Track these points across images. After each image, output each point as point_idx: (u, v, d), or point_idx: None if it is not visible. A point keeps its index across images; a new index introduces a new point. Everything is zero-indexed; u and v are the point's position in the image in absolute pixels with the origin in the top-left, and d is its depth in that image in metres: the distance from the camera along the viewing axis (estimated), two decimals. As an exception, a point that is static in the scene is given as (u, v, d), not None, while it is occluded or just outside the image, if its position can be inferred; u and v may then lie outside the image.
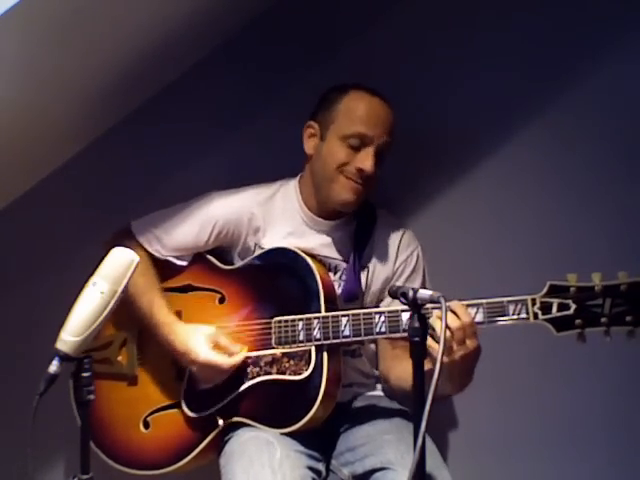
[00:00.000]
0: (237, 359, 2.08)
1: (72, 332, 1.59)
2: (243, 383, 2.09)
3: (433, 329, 1.75)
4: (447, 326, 1.78)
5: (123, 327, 2.25)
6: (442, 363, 1.50)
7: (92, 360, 1.63)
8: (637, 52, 2.40)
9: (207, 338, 2.09)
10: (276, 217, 2.21)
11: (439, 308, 1.59)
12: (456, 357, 1.82)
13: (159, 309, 2.14)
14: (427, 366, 1.71)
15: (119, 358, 2.24)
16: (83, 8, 1.87)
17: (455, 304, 1.83)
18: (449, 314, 1.79)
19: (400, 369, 2.09)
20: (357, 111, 2.12)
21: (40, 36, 1.87)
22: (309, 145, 2.19)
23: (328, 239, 2.21)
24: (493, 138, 2.47)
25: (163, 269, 2.22)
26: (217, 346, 2.08)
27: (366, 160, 2.10)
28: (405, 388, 1.98)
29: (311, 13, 2.49)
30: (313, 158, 2.19)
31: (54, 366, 1.58)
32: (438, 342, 1.74)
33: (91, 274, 1.64)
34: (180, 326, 2.13)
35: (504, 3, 2.45)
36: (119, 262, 1.64)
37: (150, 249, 2.21)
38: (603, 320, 1.81)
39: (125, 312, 2.10)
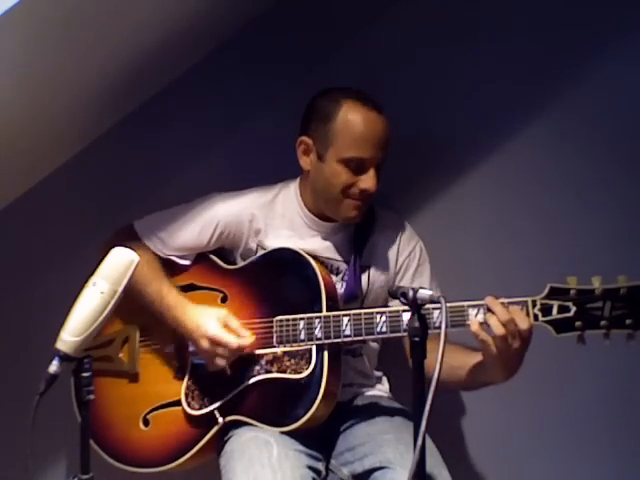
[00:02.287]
0: (245, 341, 2.07)
1: (72, 332, 1.59)
2: (243, 381, 2.09)
3: (488, 325, 1.83)
4: (502, 323, 1.82)
5: (125, 325, 2.25)
6: (442, 363, 1.51)
7: (92, 360, 1.63)
8: (637, 52, 2.40)
9: (218, 318, 2.09)
10: (277, 219, 2.22)
11: (439, 308, 1.60)
12: (515, 346, 1.84)
13: (168, 293, 2.15)
14: (477, 359, 1.91)
15: (120, 355, 2.25)
16: (83, 8, 1.87)
17: (491, 300, 1.85)
18: (495, 309, 1.83)
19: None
20: (354, 134, 2.09)
21: (40, 36, 1.87)
22: (305, 161, 2.18)
23: (329, 241, 2.22)
24: (493, 138, 2.47)
25: (166, 268, 2.22)
26: (227, 327, 2.08)
27: (369, 181, 2.10)
28: (456, 378, 2.03)
29: (311, 14, 2.49)
30: (312, 174, 2.18)
31: (54, 366, 1.58)
32: (492, 336, 1.83)
33: (91, 274, 1.64)
34: (192, 306, 2.13)
35: (504, 4, 2.45)
36: (119, 262, 1.65)
37: (153, 249, 2.22)
38: (603, 323, 1.81)
39: (127, 310, 2.10)
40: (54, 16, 1.83)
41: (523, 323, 1.83)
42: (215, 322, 2.08)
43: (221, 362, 2.08)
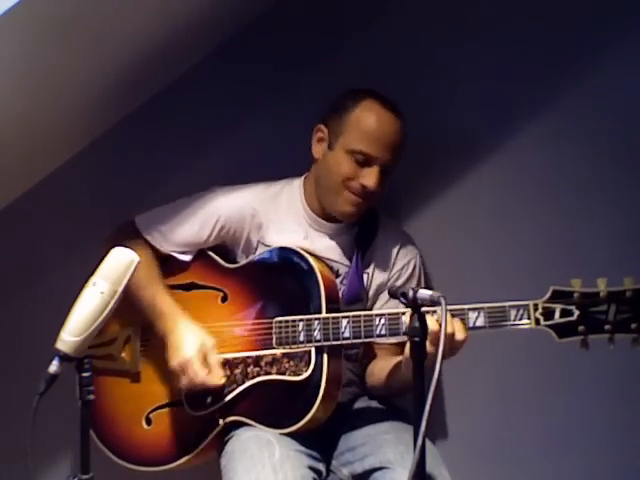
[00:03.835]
0: (212, 380, 2.05)
1: (72, 332, 1.59)
2: (243, 383, 2.09)
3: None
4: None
5: (127, 324, 2.25)
6: (442, 364, 1.50)
7: (92, 360, 1.63)
8: (637, 52, 2.40)
9: (201, 346, 2.06)
10: (279, 216, 2.22)
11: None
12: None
13: (161, 301, 2.13)
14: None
15: (123, 354, 2.24)
16: (83, 8, 1.87)
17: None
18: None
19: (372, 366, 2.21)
20: (366, 128, 2.11)
21: (40, 36, 1.87)
22: (317, 149, 2.19)
23: (331, 242, 2.21)
24: (493, 140, 2.46)
25: (167, 266, 2.22)
26: (205, 360, 2.06)
27: (370, 178, 2.11)
28: (376, 382, 2.17)
29: (311, 13, 2.49)
30: (319, 163, 2.19)
31: (54, 366, 1.58)
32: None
33: (91, 274, 1.64)
34: (182, 322, 2.10)
35: (504, 4, 2.45)
36: (119, 262, 1.64)
37: (154, 244, 2.22)
38: (607, 327, 1.79)
39: (129, 309, 2.10)
40: (54, 16, 1.83)
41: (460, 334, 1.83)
42: (194, 348, 2.04)
43: (182, 386, 2.07)
